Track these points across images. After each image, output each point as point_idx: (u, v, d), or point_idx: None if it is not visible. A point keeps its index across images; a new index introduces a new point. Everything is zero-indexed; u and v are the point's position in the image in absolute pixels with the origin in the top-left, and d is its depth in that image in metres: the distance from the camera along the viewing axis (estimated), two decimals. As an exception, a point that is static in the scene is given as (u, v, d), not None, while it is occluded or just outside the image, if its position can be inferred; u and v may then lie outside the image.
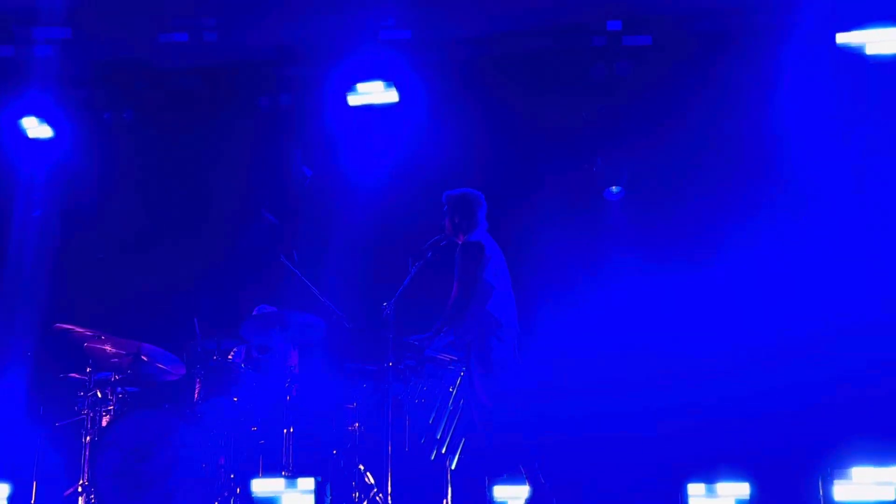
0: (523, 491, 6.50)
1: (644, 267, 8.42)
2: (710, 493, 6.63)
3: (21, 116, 9.03)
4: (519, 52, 8.83)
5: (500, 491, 6.93)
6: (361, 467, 7.27)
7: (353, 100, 8.73)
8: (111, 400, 7.38)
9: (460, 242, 6.76)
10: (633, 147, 8.61)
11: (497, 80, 8.85)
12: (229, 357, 7.97)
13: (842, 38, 7.97)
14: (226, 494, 7.01)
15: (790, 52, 8.11)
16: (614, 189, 8.66)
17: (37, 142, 9.15)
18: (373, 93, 8.70)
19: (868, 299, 7.89)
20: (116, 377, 7.44)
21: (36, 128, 9.07)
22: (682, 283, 8.30)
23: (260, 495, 6.71)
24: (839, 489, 6.33)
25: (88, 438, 7.28)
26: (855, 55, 7.95)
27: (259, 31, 8.74)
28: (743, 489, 6.59)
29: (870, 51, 7.95)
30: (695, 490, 6.67)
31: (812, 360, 7.74)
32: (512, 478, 6.70)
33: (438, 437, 6.71)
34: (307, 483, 6.67)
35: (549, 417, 7.88)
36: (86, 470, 7.17)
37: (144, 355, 7.54)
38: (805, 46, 8.07)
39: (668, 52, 8.55)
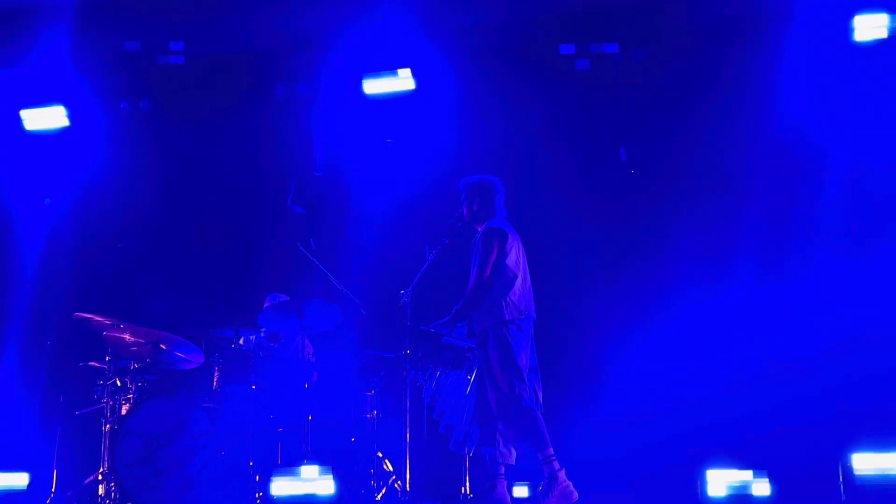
0: None
1: (662, 258, 8.40)
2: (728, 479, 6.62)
3: (38, 106, 9.06)
4: (535, 39, 8.80)
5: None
6: (380, 454, 7.28)
7: (370, 88, 8.73)
8: (130, 388, 7.40)
9: (480, 229, 6.75)
10: (652, 135, 8.58)
11: (514, 67, 8.83)
12: (239, 343, 7.99)
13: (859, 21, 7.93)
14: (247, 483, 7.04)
15: (808, 37, 8.07)
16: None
17: (54, 132, 9.19)
18: (389, 81, 8.69)
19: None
20: (135, 366, 7.47)
21: (53, 117, 9.11)
22: (702, 279, 8.27)
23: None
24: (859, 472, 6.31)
25: (108, 427, 7.32)
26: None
27: (274, 18, 8.74)
28: (762, 475, 6.58)
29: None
30: (713, 476, 6.66)
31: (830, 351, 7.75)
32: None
33: (456, 424, 6.70)
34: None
35: (571, 404, 7.92)
36: (105, 458, 7.21)
37: (163, 344, 7.56)
38: (822, 31, 8.04)
39: (684, 39, 8.52)
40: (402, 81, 8.67)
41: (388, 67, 8.66)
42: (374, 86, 8.70)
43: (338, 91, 8.96)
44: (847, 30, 7.96)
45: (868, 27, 7.91)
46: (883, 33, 7.87)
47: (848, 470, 6.36)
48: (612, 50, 8.60)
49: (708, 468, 6.70)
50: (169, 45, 9.01)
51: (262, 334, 7.79)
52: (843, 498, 6.40)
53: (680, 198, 8.44)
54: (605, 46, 8.61)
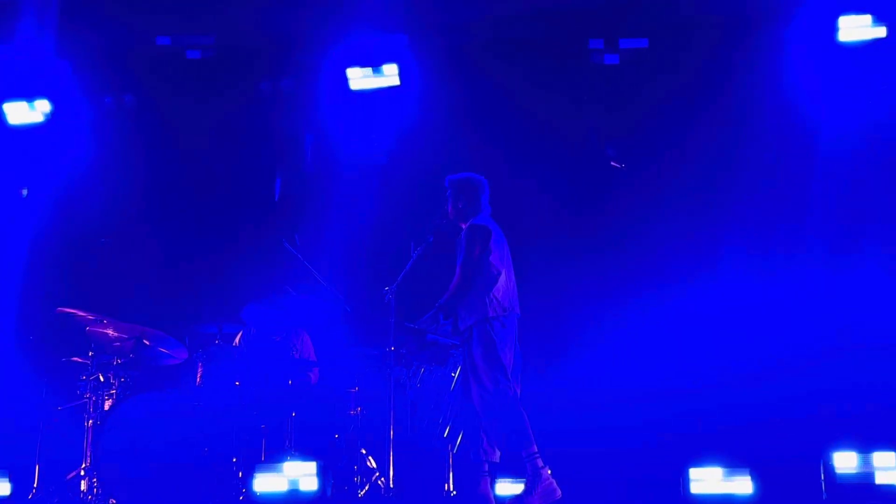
0: None
1: (649, 255, 8.41)
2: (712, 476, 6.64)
3: (21, 99, 9.02)
4: (523, 36, 8.80)
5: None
6: (363, 451, 7.28)
7: (355, 84, 8.71)
8: (113, 384, 7.39)
9: (465, 226, 6.75)
10: (641, 131, 8.60)
11: (501, 65, 8.82)
12: (235, 342, 7.98)
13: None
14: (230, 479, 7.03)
15: (802, 36, 8.11)
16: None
17: (37, 125, 9.15)
18: (374, 77, 8.68)
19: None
20: (118, 361, 7.44)
21: (37, 111, 9.06)
22: (689, 276, 8.28)
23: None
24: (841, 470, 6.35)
25: (91, 422, 7.29)
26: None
27: (260, 13, 8.72)
28: (744, 473, 6.60)
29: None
30: (697, 474, 6.68)
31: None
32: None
33: (440, 421, 6.70)
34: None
35: (551, 403, 7.92)
36: (88, 454, 7.19)
37: (146, 339, 7.54)
38: (813, 31, 8.07)
39: (676, 36, 8.55)
40: (388, 78, 8.66)
41: (373, 63, 8.65)
42: (359, 82, 8.69)
43: (323, 87, 8.95)
44: (835, 30, 8.01)
45: (854, 28, 7.95)
46: (870, 34, 7.90)
47: (829, 468, 6.39)
48: (599, 46, 8.62)
49: (690, 466, 6.72)
50: (156, 40, 9.00)
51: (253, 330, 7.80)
52: (825, 496, 6.42)
53: (668, 194, 8.46)
54: (598, 42, 8.63)
